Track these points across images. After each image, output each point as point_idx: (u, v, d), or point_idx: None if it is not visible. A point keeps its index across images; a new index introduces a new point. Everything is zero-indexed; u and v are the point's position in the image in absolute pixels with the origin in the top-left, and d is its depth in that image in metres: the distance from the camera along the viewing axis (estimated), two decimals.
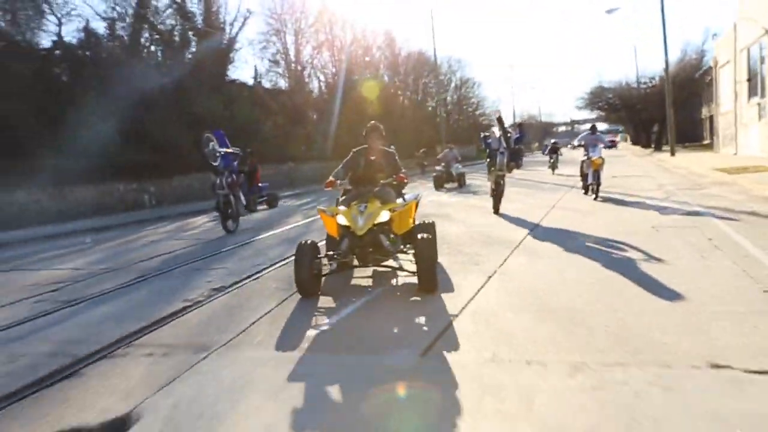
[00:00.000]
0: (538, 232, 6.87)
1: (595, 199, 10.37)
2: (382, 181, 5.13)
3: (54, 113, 15.16)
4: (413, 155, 27.53)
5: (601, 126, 77.92)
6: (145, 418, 2.38)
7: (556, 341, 2.95)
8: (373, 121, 5.67)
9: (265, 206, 12.42)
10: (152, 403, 2.51)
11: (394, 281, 4.88)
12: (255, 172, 12.02)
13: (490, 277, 4.64)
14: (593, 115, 55.36)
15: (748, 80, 18.76)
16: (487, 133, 9.97)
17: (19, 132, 13.73)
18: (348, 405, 2.41)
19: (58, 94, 16.73)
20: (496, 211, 9.08)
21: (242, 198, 10.29)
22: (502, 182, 9.15)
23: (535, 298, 3.85)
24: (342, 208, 4.91)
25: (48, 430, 2.34)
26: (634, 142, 55.90)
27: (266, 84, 29.01)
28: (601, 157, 10.78)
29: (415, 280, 4.44)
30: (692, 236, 5.76)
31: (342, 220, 4.74)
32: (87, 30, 19.22)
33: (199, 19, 23.62)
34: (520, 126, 11.60)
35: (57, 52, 18.79)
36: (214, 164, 9.52)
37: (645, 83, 40.53)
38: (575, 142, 12.40)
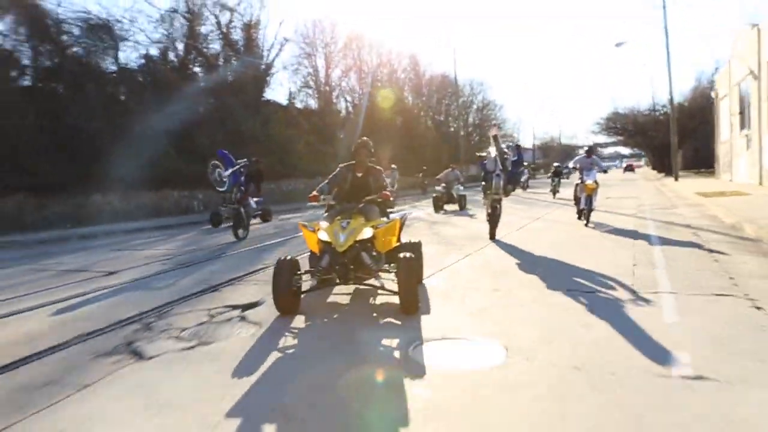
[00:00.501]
0: (508, 237, 9.09)
1: (586, 224, 10.16)
2: (366, 198, 5.18)
3: (120, 129, 17.85)
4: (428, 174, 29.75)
5: (625, 151, 79.59)
6: (265, 304, 4.68)
7: (489, 281, 5.19)
8: (363, 138, 5.71)
9: (258, 220, 12.81)
10: (266, 299, 4.80)
11: (372, 300, 4.95)
12: (258, 182, 12.55)
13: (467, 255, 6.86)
14: (612, 139, 56.97)
15: (740, 113, 20.64)
16: (482, 154, 9.44)
17: (96, 144, 16.41)
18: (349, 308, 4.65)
19: (123, 112, 19.49)
20: (492, 237, 8.57)
21: (252, 203, 11.12)
22: (498, 206, 8.72)
23: (487, 266, 6.08)
24: (324, 223, 4.92)
25: (218, 304, 4.67)
26: (653, 167, 57.35)
27: (298, 104, 31.75)
28: (595, 182, 10.51)
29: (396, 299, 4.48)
30: (621, 237, 7.96)
31: (323, 235, 4.71)
32: (146, 56, 22.11)
33: (240, 46, 26.46)
34: (517, 148, 11.57)
35: (114, 74, 21.64)
36: (221, 190, 10.47)
37: (658, 110, 42.30)
38: (570, 164, 11.96)
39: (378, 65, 38.58)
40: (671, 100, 25.79)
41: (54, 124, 16.64)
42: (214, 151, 19.63)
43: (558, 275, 5.35)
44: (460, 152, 37.41)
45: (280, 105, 28.83)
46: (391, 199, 5.40)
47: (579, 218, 10.78)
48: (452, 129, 49.68)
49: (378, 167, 5.63)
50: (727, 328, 3.47)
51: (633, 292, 4.51)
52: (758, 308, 3.89)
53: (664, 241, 7.34)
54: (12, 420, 2.56)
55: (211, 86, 24.60)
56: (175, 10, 23.43)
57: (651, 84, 78.29)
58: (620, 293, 4.50)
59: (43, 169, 14.90)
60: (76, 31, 18.74)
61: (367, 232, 4.68)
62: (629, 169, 60.49)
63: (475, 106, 61.99)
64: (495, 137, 8.91)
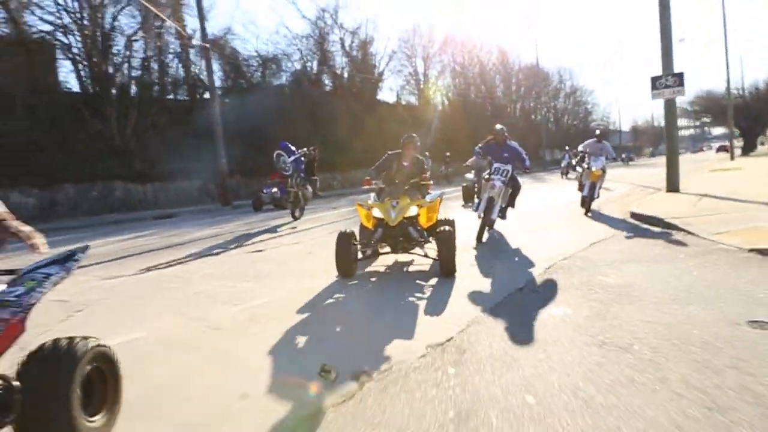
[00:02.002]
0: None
1: (585, 213, 9.97)
2: (411, 181, 6.07)
3: (276, 131, 25.67)
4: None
5: (718, 131, 78.92)
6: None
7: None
8: (410, 134, 6.62)
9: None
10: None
11: (406, 269, 6.03)
12: (312, 166, 13.86)
13: None
14: (695, 122, 58.85)
15: None
16: (479, 146, 8.51)
17: (270, 138, 24.41)
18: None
19: (277, 119, 27.42)
20: (479, 239, 7.68)
21: (309, 189, 12.73)
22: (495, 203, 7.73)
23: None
24: (376, 202, 5.86)
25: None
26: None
27: (402, 101, 38.91)
28: (602, 170, 10.21)
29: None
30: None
31: (377, 212, 5.71)
32: (295, 72, 30.17)
33: (358, 59, 33.95)
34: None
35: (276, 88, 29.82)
36: (287, 173, 12.04)
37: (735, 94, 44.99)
38: (579, 148, 11.28)
39: (469, 63, 44.71)
40: (728, 83, 29.95)
41: (241, 127, 24.74)
42: (344, 144, 27.18)
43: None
44: (542, 137, 42.81)
45: (389, 104, 36.12)
46: (430, 182, 6.36)
47: (582, 206, 10.33)
48: (537, 117, 54.63)
49: (421, 157, 6.61)
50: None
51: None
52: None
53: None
54: None
55: (336, 93, 32.32)
56: (311, 36, 31.40)
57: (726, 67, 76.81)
58: None
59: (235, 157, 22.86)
60: (254, 63, 27.10)
61: (413, 210, 5.72)
62: (722, 149, 61.82)
63: (564, 93, 66.27)
64: (497, 132, 8.07)
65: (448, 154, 30.01)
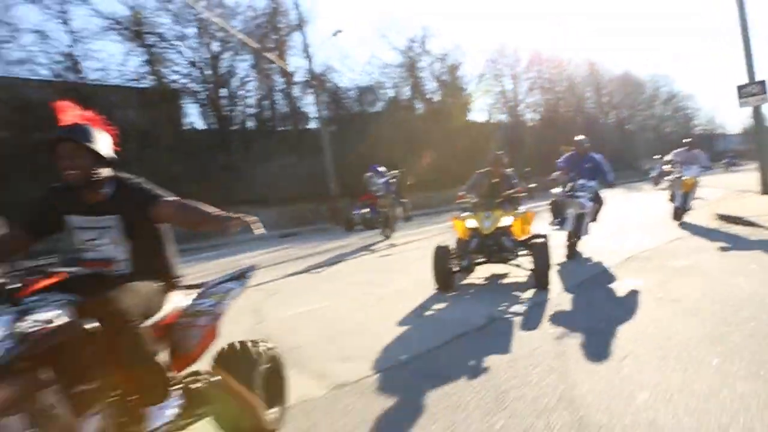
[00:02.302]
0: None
1: (679, 225, 9.69)
2: (504, 193, 6.40)
3: (374, 155, 27.80)
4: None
5: None
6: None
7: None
8: (498, 152, 7.25)
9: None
10: None
11: (501, 281, 6.33)
12: (401, 188, 14.45)
13: None
14: None
15: None
16: (561, 159, 8.48)
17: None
18: None
19: (374, 144, 29.62)
20: (570, 257, 7.43)
21: (398, 210, 13.23)
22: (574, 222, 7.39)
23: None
24: (471, 215, 6.22)
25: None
26: None
27: (492, 120, 40.11)
28: (695, 178, 9.85)
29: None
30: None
31: (471, 223, 6.07)
32: (389, 99, 32.42)
33: (448, 83, 35.71)
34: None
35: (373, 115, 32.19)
36: (378, 195, 12.59)
37: None
38: (668, 157, 10.78)
39: (558, 79, 45.10)
40: None
41: (342, 153, 27.13)
42: (439, 165, 28.60)
43: None
44: (637, 148, 42.17)
45: (480, 123, 37.49)
46: (523, 194, 6.68)
47: (675, 218, 10.11)
48: (632, 127, 53.53)
49: (509, 173, 6.92)
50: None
51: None
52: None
53: None
54: None
55: (428, 116, 34.18)
56: (402, 65, 33.60)
57: None
58: None
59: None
60: (351, 93, 29.63)
61: (507, 220, 5.97)
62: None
63: (659, 100, 64.17)
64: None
65: (528, 169, 29.88)
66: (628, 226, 10.66)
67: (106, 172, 2.58)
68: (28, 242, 2.68)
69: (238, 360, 2.76)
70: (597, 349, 3.57)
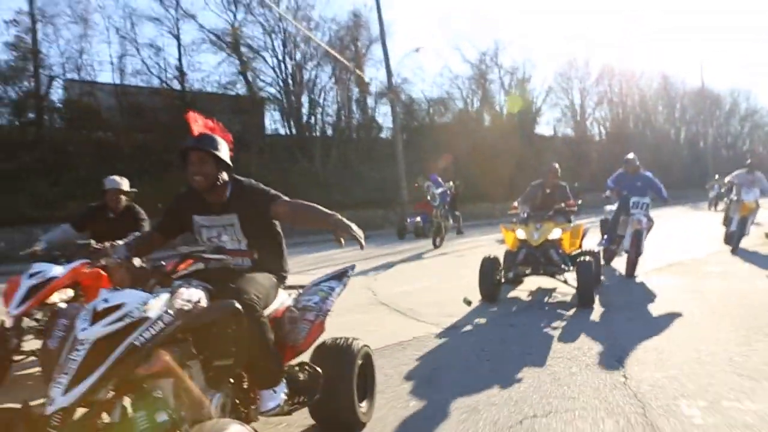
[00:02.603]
0: None
1: (733, 252, 9.29)
2: (556, 207, 6.53)
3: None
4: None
5: None
6: None
7: None
8: (554, 164, 7.37)
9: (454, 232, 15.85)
10: None
11: (547, 298, 6.64)
12: (456, 200, 14.92)
13: None
14: None
15: None
16: (611, 179, 9.16)
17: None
18: None
19: (442, 154, 31.09)
20: (629, 275, 7.75)
21: (451, 221, 13.81)
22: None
23: None
24: (521, 225, 6.42)
25: None
26: None
27: (558, 134, 40.81)
28: (756, 202, 9.52)
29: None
30: None
31: (521, 234, 6.25)
32: (458, 111, 33.90)
33: (516, 95, 36.80)
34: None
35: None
36: (434, 204, 12.98)
37: None
38: (727, 179, 10.95)
39: (627, 93, 45.16)
40: None
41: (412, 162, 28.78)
42: (503, 177, 29.80)
43: None
44: (708, 165, 41.68)
45: (546, 137, 38.33)
46: (575, 207, 6.69)
47: (728, 243, 9.84)
48: (702, 144, 52.54)
49: (563, 184, 7.10)
50: None
51: None
52: None
53: None
54: None
55: (496, 128, 35.39)
56: (473, 77, 35.01)
57: None
58: None
59: None
60: (423, 105, 31.38)
61: (556, 233, 6.12)
62: None
63: (738, 116, 62.38)
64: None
65: (576, 184, 30.22)
66: (678, 243, 11.73)
67: (225, 175, 2.88)
68: (162, 242, 3.11)
69: (337, 354, 2.95)
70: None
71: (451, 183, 14.47)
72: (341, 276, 3.27)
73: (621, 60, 56.18)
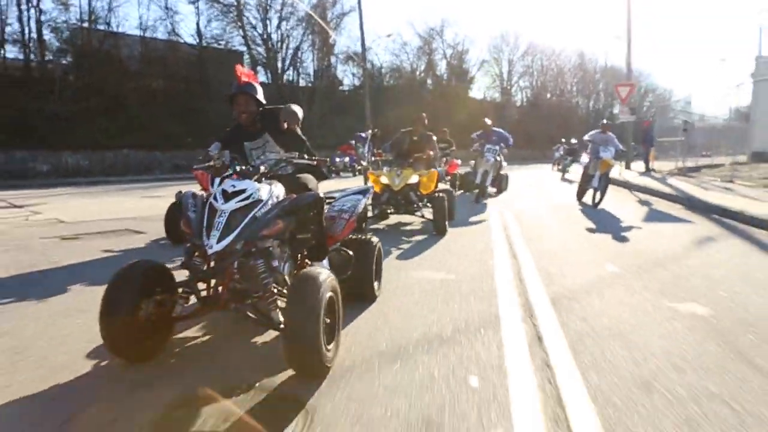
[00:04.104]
0: None
1: (596, 206, 10.04)
2: (415, 155, 7.49)
3: (396, 120, 36.96)
4: None
5: None
6: None
7: None
8: (421, 113, 8.22)
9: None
10: None
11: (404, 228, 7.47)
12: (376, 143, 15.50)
13: None
14: None
15: None
16: (476, 134, 11.91)
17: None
18: None
19: (396, 112, 38.69)
20: (478, 200, 10.89)
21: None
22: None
23: None
24: (386, 170, 7.40)
25: None
26: None
27: (488, 97, 49.52)
28: (612, 159, 10.19)
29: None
30: None
31: (384, 179, 7.16)
32: (408, 77, 41.49)
33: (455, 65, 44.82)
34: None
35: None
36: (360, 150, 14.69)
37: None
38: (585, 138, 11.27)
39: (547, 69, 54.39)
40: None
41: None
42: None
43: None
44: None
45: (477, 100, 46.85)
46: (432, 153, 7.76)
47: (580, 199, 10.86)
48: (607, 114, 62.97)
49: (429, 133, 8.05)
50: None
51: None
52: None
53: None
54: None
55: (437, 92, 43.39)
56: (420, 47, 42.66)
57: None
58: None
59: None
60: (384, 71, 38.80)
61: (414, 178, 7.19)
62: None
63: (642, 90, 73.60)
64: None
65: (446, 130, 38.86)
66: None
67: (260, 111, 3.66)
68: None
69: (362, 245, 3.91)
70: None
71: (370, 131, 16.86)
72: (364, 192, 4.38)
73: (544, 38, 65.10)
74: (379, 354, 2.98)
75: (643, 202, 11.14)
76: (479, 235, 6.95)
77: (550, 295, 4.12)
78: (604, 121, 11.57)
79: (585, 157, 11.01)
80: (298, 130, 3.70)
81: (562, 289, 4.31)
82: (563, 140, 25.89)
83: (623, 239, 6.87)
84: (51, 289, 4.27)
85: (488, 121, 11.85)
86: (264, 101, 3.66)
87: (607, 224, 8.25)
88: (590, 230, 7.65)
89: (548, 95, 53.54)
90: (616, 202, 11.13)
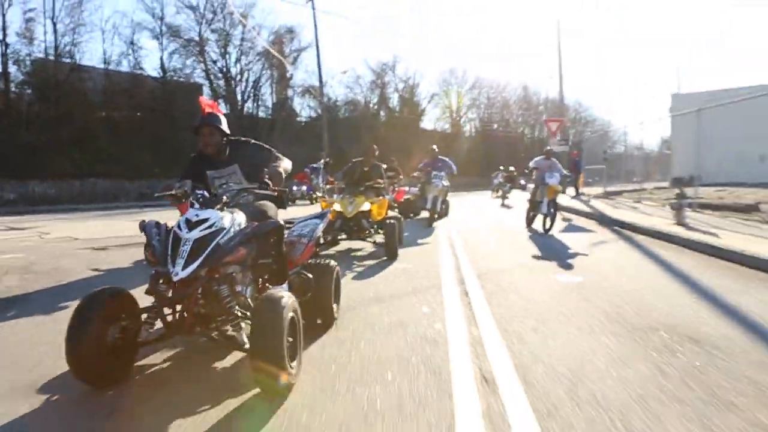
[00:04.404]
0: None
1: (547, 232, 10.13)
2: (367, 184, 7.94)
3: (351, 150, 39.06)
4: None
5: None
6: None
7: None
8: (372, 144, 8.76)
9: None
10: None
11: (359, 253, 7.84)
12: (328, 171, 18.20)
13: None
14: None
15: None
16: (422, 164, 12.63)
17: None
18: None
19: (351, 142, 40.84)
20: (430, 224, 11.53)
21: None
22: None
23: None
24: (338, 198, 7.76)
25: None
26: None
27: (438, 128, 52.43)
28: (558, 185, 10.34)
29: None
30: None
31: (337, 207, 7.45)
32: (362, 109, 43.88)
33: (407, 98, 47.54)
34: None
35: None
36: (314, 182, 17.88)
37: None
38: (530, 164, 11.28)
39: (494, 102, 57.97)
40: None
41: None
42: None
43: None
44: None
45: (428, 131, 49.61)
46: (382, 183, 8.24)
47: (529, 226, 11.06)
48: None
49: (379, 163, 8.50)
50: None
51: None
52: None
53: None
54: None
55: (390, 123, 45.86)
56: (375, 82, 45.21)
57: None
58: None
59: None
60: (339, 104, 41.02)
61: (366, 206, 7.56)
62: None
63: (581, 122, 78.72)
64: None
65: (394, 159, 43.50)
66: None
67: (224, 140, 3.83)
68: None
69: (320, 268, 4.08)
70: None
71: (323, 161, 18.88)
72: (321, 216, 4.71)
73: (490, 72, 69.00)
74: (368, 300, 4.86)
75: (566, 219, 13.34)
76: (428, 252, 8.07)
77: (476, 272, 6.16)
78: (548, 148, 12.13)
79: (530, 185, 11.01)
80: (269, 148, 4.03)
81: (486, 270, 6.33)
82: (501, 168, 27.86)
83: (539, 242, 9.08)
84: (125, 283, 5.91)
85: (435, 148, 12.84)
86: (228, 131, 3.86)
87: (529, 233, 10.43)
88: (516, 239, 9.79)
89: (495, 126, 56.86)
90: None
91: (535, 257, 7.50)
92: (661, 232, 9.11)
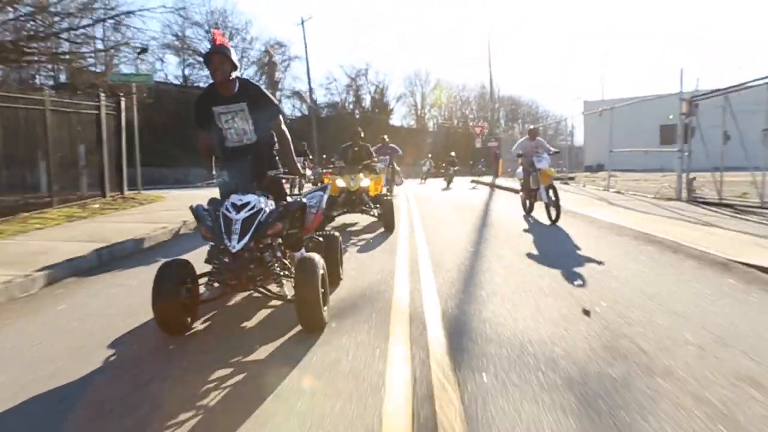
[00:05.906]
0: None
1: (554, 222, 9.07)
2: (364, 162, 9.10)
3: (330, 144, 47.61)
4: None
5: None
6: None
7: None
8: (357, 128, 10.35)
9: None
10: None
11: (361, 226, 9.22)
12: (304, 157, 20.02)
13: None
14: None
15: None
16: (374, 148, 12.73)
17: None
18: None
19: (333, 137, 49.41)
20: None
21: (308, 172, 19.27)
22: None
23: None
24: (341, 176, 8.89)
25: None
26: None
27: (405, 124, 61.58)
28: (550, 168, 9.52)
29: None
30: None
31: (341, 182, 8.53)
32: (339, 108, 52.75)
33: (377, 98, 56.51)
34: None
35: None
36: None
37: None
38: (513, 150, 10.74)
39: (454, 100, 67.28)
40: None
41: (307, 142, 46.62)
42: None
43: None
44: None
45: (396, 127, 58.63)
46: (376, 161, 9.63)
47: (528, 214, 10.34)
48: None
49: (366, 144, 9.99)
50: None
51: None
52: None
53: None
54: None
55: (363, 120, 54.67)
56: (350, 86, 54.09)
57: None
58: None
59: None
60: (322, 105, 49.89)
61: (366, 182, 8.71)
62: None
63: (533, 117, 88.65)
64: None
65: (379, 144, 47.33)
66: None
67: (234, 74, 4.10)
68: (207, 133, 4.37)
69: (326, 238, 4.98)
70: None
71: (301, 158, 18.77)
72: (324, 189, 5.50)
73: (451, 74, 78.10)
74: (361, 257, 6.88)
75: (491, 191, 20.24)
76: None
77: (425, 233, 8.53)
78: (532, 127, 11.94)
79: (519, 171, 10.61)
80: (274, 100, 4.44)
81: (433, 231, 8.78)
82: (429, 155, 34.20)
83: (466, 199, 17.65)
84: None
85: (386, 138, 15.80)
86: (237, 64, 4.15)
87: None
88: (459, 207, 13.77)
89: (455, 122, 66.27)
90: (475, 192, 21.24)
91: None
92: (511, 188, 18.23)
